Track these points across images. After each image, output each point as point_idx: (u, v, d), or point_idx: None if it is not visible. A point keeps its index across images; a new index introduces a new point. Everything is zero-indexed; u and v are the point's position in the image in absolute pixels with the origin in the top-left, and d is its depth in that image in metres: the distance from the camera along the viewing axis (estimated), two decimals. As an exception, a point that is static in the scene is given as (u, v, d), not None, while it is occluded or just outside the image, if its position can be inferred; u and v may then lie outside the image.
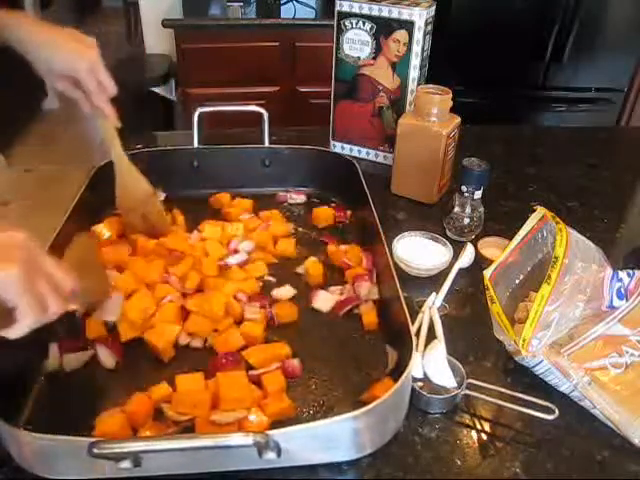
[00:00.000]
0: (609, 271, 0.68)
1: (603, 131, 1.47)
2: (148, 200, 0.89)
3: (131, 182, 0.88)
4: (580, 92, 2.32)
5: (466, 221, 0.91)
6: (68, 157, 2.99)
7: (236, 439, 0.49)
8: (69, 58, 0.77)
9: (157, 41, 2.59)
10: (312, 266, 0.84)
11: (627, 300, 0.68)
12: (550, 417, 0.59)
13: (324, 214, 0.97)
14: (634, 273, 0.70)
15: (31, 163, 3.03)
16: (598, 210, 1.04)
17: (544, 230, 0.72)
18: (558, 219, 0.70)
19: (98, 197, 0.91)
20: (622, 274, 0.69)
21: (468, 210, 0.91)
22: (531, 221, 0.73)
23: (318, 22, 2.26)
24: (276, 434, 0.50)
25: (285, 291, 0.81)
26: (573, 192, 1.10)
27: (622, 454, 0.60)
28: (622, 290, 0.69)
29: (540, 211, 0.73)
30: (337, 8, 1.07)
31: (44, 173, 2.95)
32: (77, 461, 0.51)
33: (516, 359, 0.69)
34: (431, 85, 1.00)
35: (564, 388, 0.65)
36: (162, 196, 0.95)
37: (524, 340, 0.64)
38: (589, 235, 0.71)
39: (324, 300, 0.79)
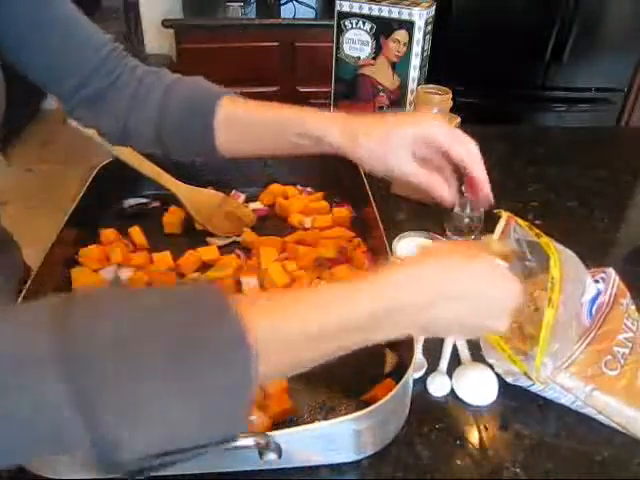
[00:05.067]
0: (589, 281, 0.65)
1: (603, 131, 1.47)
2: (223, 201, 0.96)
3: (200, 196, 0.95)
4: (580, 92, 2.32)
5: (466, 221, 0.91)
6: (68, 157, 2.99)
7: (237, 440, 0.49)
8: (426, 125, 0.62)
9: (157, 41, 2.59)
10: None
11: (603, 305, 0.65)
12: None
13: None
14: (605, 276, 0.68)
15: (31, 163, 3.03)
16: (598, 210, 1.04)
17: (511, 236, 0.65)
18: (538, 230, 0.63)
19: (99, 197, 0.91)
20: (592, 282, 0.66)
21: (468, 210, 0.91)
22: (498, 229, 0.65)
23: (318, 22, 2.26)
24: (277, 435, 0.50)
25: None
26: (573, 192, 1.10)
27: (622, 454, 0.60)
28: (596, 296, 0.66)
29: (504, 216, 0.66)
30: (337, 8, 1.08)
31: (44, 173, 2.95)
32: (79, 460, 0.51)
33: (507, 380, 0.66)
34: (431, 85, 0.99)
35: (564, 401, 0.63)
36: (241, 197, 1.01)
37: (537, 370, 0.59)
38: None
39: None
